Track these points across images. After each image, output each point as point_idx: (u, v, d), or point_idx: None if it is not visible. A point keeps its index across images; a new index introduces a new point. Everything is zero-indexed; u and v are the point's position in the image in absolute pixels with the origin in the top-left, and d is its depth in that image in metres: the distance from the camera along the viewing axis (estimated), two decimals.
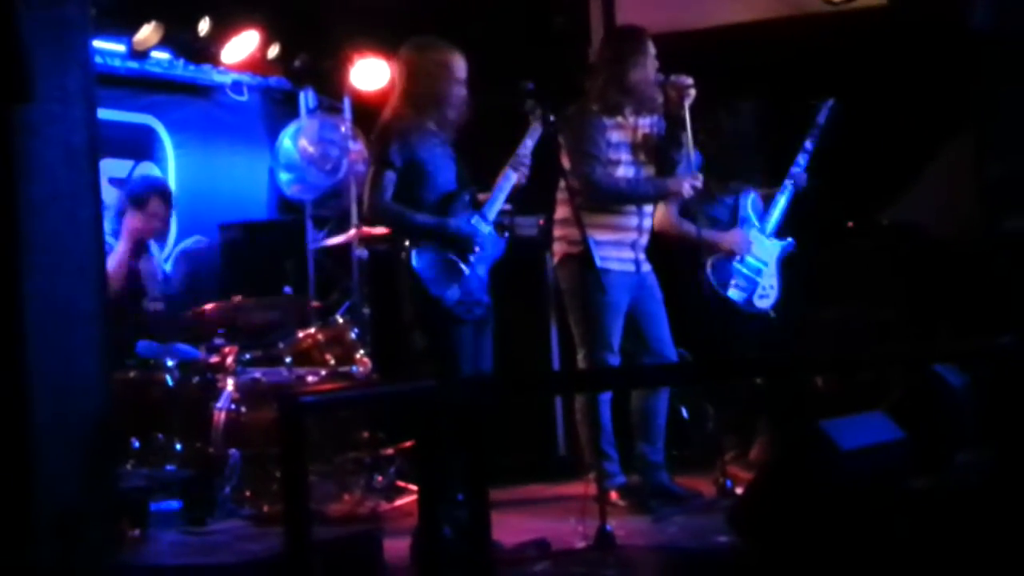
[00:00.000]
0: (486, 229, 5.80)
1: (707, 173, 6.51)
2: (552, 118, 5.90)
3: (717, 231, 6.79)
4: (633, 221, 6.33)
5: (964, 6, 7.23)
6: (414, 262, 5.58)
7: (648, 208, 6.42)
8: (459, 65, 5.79)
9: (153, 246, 6.95)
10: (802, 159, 6.91)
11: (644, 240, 6.38)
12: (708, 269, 6.69)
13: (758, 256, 6.84)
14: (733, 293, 6.75)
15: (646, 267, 6.40)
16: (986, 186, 7.33)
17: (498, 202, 5.86)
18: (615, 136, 6.31)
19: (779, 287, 6.86)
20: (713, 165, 6.74)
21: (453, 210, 5.70)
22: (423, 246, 5.61)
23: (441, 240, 5.65)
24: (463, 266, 5.67)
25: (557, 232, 6.37)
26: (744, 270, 6.80)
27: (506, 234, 5.92)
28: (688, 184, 6.33)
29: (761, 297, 6.81)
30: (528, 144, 5.91)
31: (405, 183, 5.65)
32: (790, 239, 6.93)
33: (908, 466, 4.77)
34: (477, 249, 5.72)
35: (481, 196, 5.85)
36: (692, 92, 6.21)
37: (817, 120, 6.95)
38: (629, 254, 6.32)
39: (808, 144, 6.92)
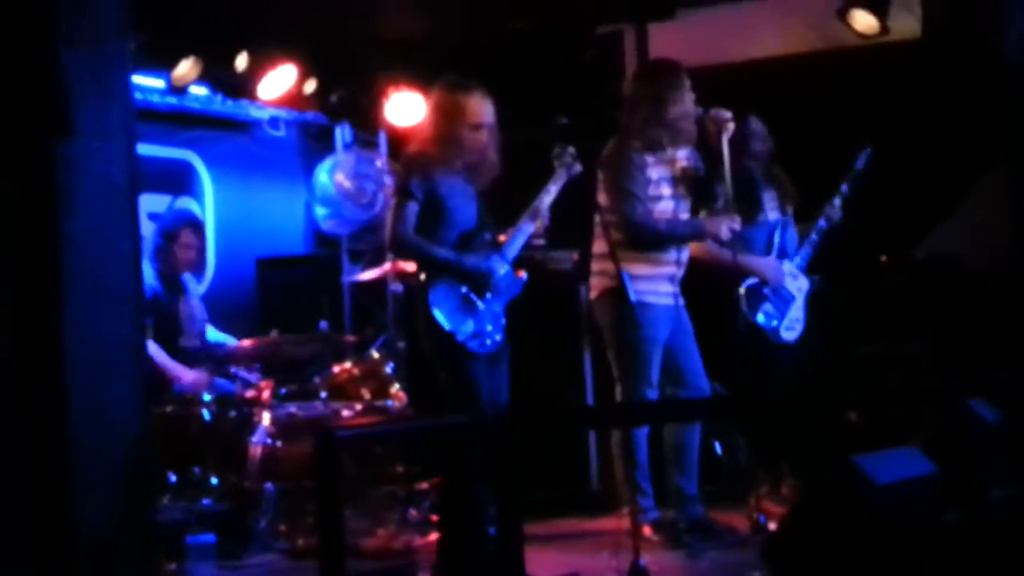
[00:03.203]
0: (503, 269, 5.84)
1: (745, 197, 6.53)
2: (579, 168, 5.93)
3: (752, 256, 6.79)
4: (672, 255, 6.33)
5: (997, 38, 7.22)
6: (430, 296, 5.63)
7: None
8: (476, 110, 5.78)
9: (190, 281, 6.99)
10: (838, 201, 6.90)
11: (681, 273, 6.39)
12: (741, 292, 6.69)
13: (789, 288, 6.83)
14: (761, 319, 6.71)
15: (680, 300, 6.40)
16: (1020, 219, 7.29)
17: (517, 244, 5.90)
18: (656, 172, 6.29)
19: (804, 322, 6.85)
20: (747, 189, 6.76)
21: (472, 248, 5.75)
22: (439, 280, 5.66)
23: (456, 275, 5.69)
24: (477, 301, 5.71)
25: (595, 267, 6.37)
26: (776, 299, 6.79)
27: (524, 275, 5.93)
28: (726, 226, 6.32)
29: (788, 329, 6.77)
30: (551, 191, 5.95)
31: (425, 217, 5.69)
32: (816, 277, 6.92)
33: (942, 501, 4.74)
34: (491, 289, 5.76)
35: (505, 235, 5.89)
36: (731, 126, 6.23)
37: (855, 165, 6.95)
38: (667, 287, 6.32)
39: (845, 187, 6.92)
